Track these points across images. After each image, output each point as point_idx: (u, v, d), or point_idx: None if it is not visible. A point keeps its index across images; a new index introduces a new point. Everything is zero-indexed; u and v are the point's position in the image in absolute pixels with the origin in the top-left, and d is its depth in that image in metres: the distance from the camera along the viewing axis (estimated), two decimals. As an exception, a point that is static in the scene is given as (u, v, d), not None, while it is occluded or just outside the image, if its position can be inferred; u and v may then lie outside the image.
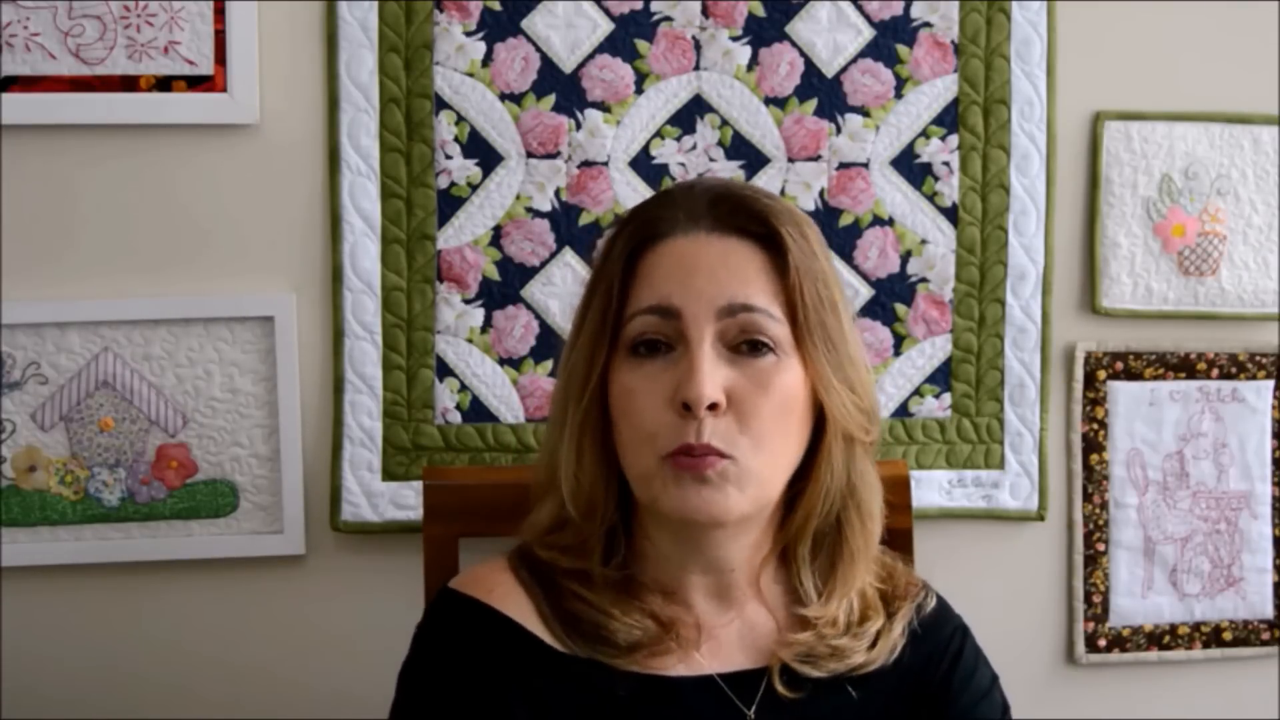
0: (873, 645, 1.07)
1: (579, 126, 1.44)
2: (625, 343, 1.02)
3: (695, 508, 0.99)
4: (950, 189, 1.50)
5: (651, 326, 1.01)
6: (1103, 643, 1.59)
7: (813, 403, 1.03)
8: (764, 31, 1.46)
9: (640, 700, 1.02)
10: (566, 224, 1.45)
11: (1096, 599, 1.58)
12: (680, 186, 1.10)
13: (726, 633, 1.07)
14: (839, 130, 1.48)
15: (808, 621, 1.06)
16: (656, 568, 1.07)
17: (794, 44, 1.47)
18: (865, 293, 1.50)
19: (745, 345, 1.00)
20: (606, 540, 1.06)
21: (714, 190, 1.06)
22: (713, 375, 0.98)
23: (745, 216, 1.03)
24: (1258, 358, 1.59)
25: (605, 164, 1.45)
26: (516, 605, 1.05)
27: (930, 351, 1.52)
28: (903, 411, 1.52)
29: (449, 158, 1.43)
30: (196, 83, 1.38)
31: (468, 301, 1.45)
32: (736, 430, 0.99)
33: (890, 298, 1.51)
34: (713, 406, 0.98)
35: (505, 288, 1.45)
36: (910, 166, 1.49)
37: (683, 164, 1.46)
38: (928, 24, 1.48)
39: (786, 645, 1.06)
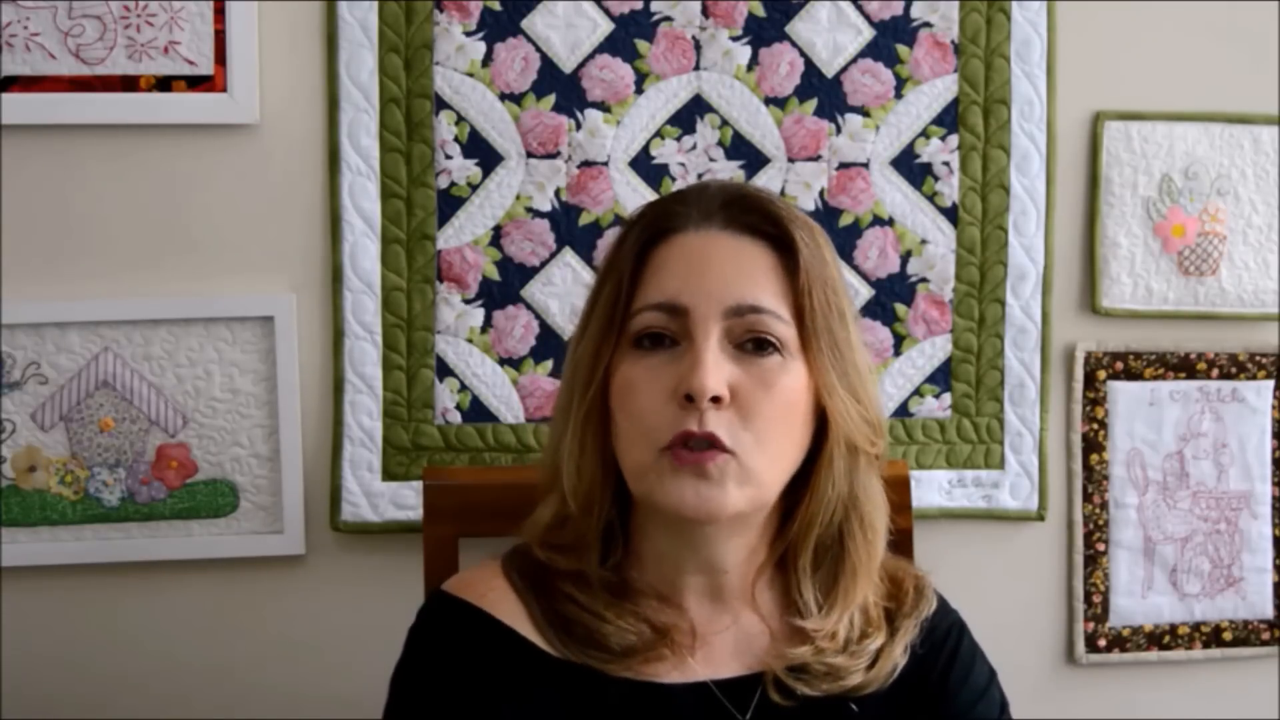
0: (871, 665, 1.05)
1: (579, 126, 1.44)
2: (630, 335, 1.02)
3: (691, 504, 0.98)
4: (950, 189, 1.50)
5: (658, 322, 1.00)
6: (1103, 643, 1.58)
7: (815, 407, 1.02)
8: (764, 31, 1.46)
9: (633, 706, 1.02)
10: (566, 224, 1.45)
11: (1096, 599, 1.58)
12: (695, 185, 1.10)
13: (721, 639, 1.06)
14: (839, 130, 1.48)
15: (805, 634, 1.05)
16: (652, 570, 1.06)
17: (794, 44, 1.47)
18: (865, 293, 1.50)
19: (751, 344, 1.00)
20: (603, 540, 1.06)
21: (729, 190, 1.06)
22: (717, 369, 0.98)
23: (758, 217, 1.03)
24: (1258, 358, 1.59)
25: (605, 164, 1.45)
26: (509, 609, 1.05)
27: (930, 351, 1.52)
28: (903, 411, 1.52)
29: (449, 158, 1.43)
30: (196, 83, 1.38)
31: (468, 301, 1.45)
32: (739, 425, 0.98)
33: (890, 298, 1.51)
34: (716, 400, 0.97)
35: (505, 288, 1.45)
36: (910, 166, 1.49)
37: (683, 164, 1.46)
38: (928, 24, 1.48)
39: (780, 656, 1.05)
